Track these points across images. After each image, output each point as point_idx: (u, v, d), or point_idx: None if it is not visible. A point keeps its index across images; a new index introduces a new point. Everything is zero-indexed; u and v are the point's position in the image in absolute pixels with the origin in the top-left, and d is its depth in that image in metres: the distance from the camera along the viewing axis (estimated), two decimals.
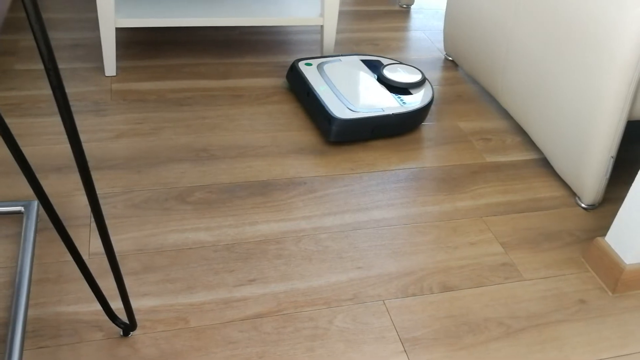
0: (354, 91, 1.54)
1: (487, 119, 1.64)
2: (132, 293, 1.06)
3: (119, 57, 1.75)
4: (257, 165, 1.39)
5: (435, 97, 1.72)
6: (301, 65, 1.64)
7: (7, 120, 1.45)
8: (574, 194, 1.40)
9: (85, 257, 1.12)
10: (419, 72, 1.62)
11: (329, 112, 1.45)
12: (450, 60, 1.93)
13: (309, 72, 1.61)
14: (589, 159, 1.30)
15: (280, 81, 1.72)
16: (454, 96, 1.74)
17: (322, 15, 1.72)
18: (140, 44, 1.84)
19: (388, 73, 1.60)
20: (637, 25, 1.14)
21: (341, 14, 2.16)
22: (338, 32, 2.03)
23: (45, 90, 1.57)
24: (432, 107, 1.67)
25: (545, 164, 1.49)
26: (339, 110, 1.46)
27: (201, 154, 1.41)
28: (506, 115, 1.67)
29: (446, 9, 1.84)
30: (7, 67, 1.65)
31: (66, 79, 1.63)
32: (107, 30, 1.58)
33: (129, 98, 1.58)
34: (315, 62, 1.66)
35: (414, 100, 1.52)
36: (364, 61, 1.68)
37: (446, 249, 1.22)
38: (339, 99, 1.50)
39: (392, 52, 1.93)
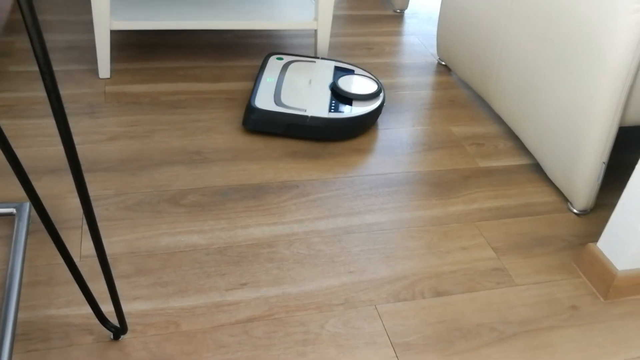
0: (294, 89, 1.56)
1: (480, 124, 1.65)
2: (124, 296, 1.06)
3: (113, 59, 1.75)
4: (250, 169, 1.39)
5: (428, 101, 1.72)
6: (271, 58, 1.68)
7: (1, 122, 1.44)
8: (566, 200, 1.41)
9: (76, 260, 1.12)
10: (376, 87, 1.61)
11: (252, 100, 1.50)
12: (444, 65, 1.94)
13: (273, 64, 1.65)
14: (581, 165, 1.30)
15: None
16: (446, 101, 1.74)
17: (316, 19, 1.73)
18: (134, 46, 1.84)
19: (342, 81, 1.60)
20: (629, 32, 1.15)
21: (335, 18, 2.16)
22: (332, 36, 2.03)
23: (40, 92, 1.56)
24: (426, 111, 1.67)
25: (537, 169, 1.49)
26: (263, 101, 1.50)
27: (194, 156, 1.41)
28: (499, 120, 1.68)
29: (439, 14, 1.85)
30: (2, 69, 1.65)
31: (60, 80, 1.63)
32: (102, 33, 1.58)
33: (123, 100, 1.57)
34: (287, 58, 1.69)
35: (346, 112, 1.52)
36: (337, 67, 1.69)
37: (438, 253, 1.22)
38: (272, 92, 1.53)
39: (386, 57, 1.94)
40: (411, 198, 1.36)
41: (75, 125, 1.46)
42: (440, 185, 1.41)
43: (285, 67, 1.64)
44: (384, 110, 1.66)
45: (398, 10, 2.28)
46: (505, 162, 1.51)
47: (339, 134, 1.51)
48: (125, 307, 1.04)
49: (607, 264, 1.15)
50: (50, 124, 1.46)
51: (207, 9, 1.72)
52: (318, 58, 1.71)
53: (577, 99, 1.28)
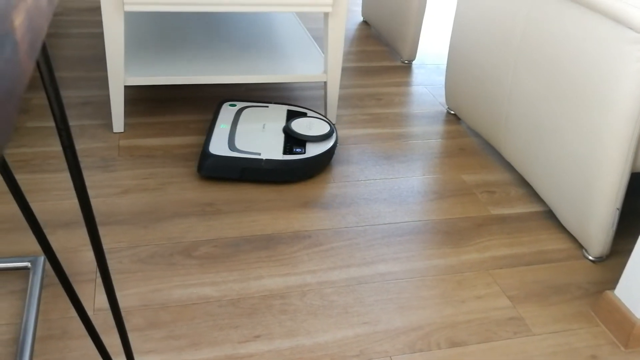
0: (248, 134, 1.57)
1: (491, 172, 1.65)
2: (137, 349, 1.05)
3: (126, 113, 1.78)
4: (262, 219, 1.39)
5: (439, 150, 1.73)
6: (224, 105, 1.70)
7: (18, 177, 1.47)
8: (580, 246, 1.40)
9: (90, 313, 1.11)
10: (328, 128, 1.63)
11: (207, 147, 1.51)
12: (453, 114, 1.96)
13: (226, 111, 1.67)
14: (595, 211, 1.30)
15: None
16: (456, 149, 1.75)
17: (325, 72, 1.76)
18: (147, 100, 1.87)
19: (294, 124, 1.62)
20: (637, 78, 1.16)
21: (344, 70, 2.20)
22: (341, 87, 2.07)
23: (55, 147, 1.59)
24: (436, 159, 1.68)
25: (550, 216, 1.49)
26: (217, 147, 1.51)
27: (207, 208, 1.42)
28: (509, 167, 1.68)
29: (447, 64, 1.88)
30: (19, 125, 1.68)
31: (75, 135, 1.66)
32: (116, 88, 1.62)
33: (136, 154, 1.60)
34: (240, 104, 1.72)
35: (301, 152, 1.53)
36: (289, 111, 1.71)
37: (453, 303, 1.21)
38: (227, 137, 1.55)
39: (395, 107, 1.96)
40: (424, 247, 1.36)
41: (89, 179, 1.48)
42: (453, 233, 1.41)
43: (238, 113, 1.66)
44: (394, 159, 1.68)
45: (406, 61, 2.32)
46: (517, 210, 1.51)
47: (294, 175, 1.53)
48: None
49: (626, 312, 1.13)
50: (65, 177, 1.48)
51: (219, 63, 1.76)
52: (271, 103, 1.74)
53: (587, 146, 1.28)
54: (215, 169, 1.49)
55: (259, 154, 1.50)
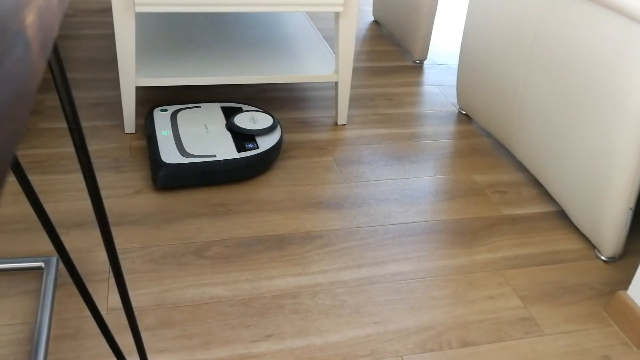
0: (194, 137, 1.54)
1: (503, 172, 1.65)
2: (150, 349, 1.06)
3: (138, 114, 1.79)
4: (273, 220, 1.40)
5: (450, 150, 1.73)
6: (156, 111, 1.65)
7: (31, 178, 1.48)
8: (593, 247, 1.39)
9: (103, 313, 1.12)
10: (271, 119, 1.62)
11: (159, 157, 1.45)
12: (464, 114, 1.95)
13: (160, 118, 1.61)
14: (607, 211, 1.29)
15: (296, 136, 1.74)
16: (468, 149, 1.75)
17: (336, 72, 1.76)
18: (158, 101, 1.88)
19: (237, 120, 1.60)
20: None
21: (355, 70, 2.20)
22: (353, 87, 2.07)
23: (68, 148, 1.60)
24: (447, 159, 1.68)
25: (562, 216, 1.48)
26: (169, 155, 1.46)
27: (218, 209, 1.42)
28: (521, 167, 1.67)
29: (459, 64, 1.87)
30: (32, 126, 1.70)
31: (88, 136, 1.67)
32: (128, 90, 1.63)
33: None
34: (171, 108, 1.66)
35: (254, 147, 1.52)
36: (223, 108, 1.69)
37: (464, 303, 1.21)
38: (175, 144, 1.49)
39: (407, 107, 1.96)
40: (435, 247, 1.35)
41: (102, 179, 1.49)
42: (464, 233, 1.40)
43: (173, 117, 1.62)
44: (405, 159, 1.67)
45: (417, 61, 2.32)
46: (529, 210, 1.50)
47: (252, 171, 1.52)
48: None
49: (639, 312, 1.12)
50: (78, 178, 1.49)
51: (229, 64, 1.77)
52: (202, 102, 1.71)
53: (599, 145, 1.28)
54: (173, 178, 1.45)
55: (214, 156, 1.47)
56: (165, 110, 1.65)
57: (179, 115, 1.62)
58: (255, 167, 1.52)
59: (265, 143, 1.55)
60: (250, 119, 1.59)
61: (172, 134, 1.53)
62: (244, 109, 1.68)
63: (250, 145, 1.52)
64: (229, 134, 1.57)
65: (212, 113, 1.66)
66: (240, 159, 1.48)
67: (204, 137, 1.54)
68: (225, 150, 1.50)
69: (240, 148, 1.51)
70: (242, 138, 1.56)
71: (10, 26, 0.31)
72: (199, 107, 1.68)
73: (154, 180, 1.45)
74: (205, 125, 1.58)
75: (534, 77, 1.48)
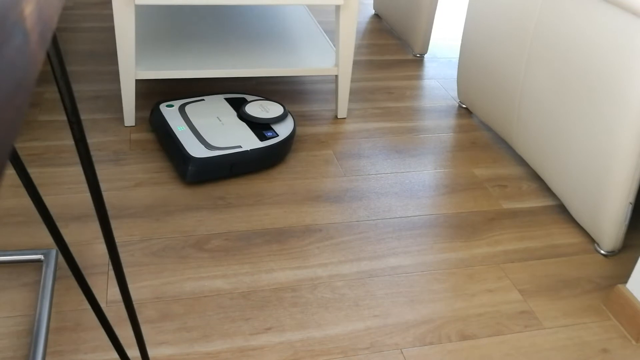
0: (213, 130, 1.54)
1: (503, 166, 1.65)
2: (149, 341, 1.06)
3: (137, 107, 1.79)
4: (273, 213, 1.40)
5: (450, 144, 1.73)
6: (162, 107, 1.64)
7: (30, 170, 1.48)
8: (592, 241, 1.39)
9: (103, 305, 1.12)
10: (281, 107, 1.63)
11: (186, 152, 1.45)
12: (465, 107, 1.95)
13: (170, 113, 1.61)
14: (607, 206, 1.29)
15: (297, 129, 1.74)
16: (468, 143, 1.75)
17: (336, 65, 1.76)
18: (158, 94, 1.88)
19: (249, 110, 1.60)
20: None
21: (356, 63, 2.20)
22: (353, 81, 2.06)
23: (67, 141, 1.60)
24: (447, 153, 1.68)
25: (562, 211, 1.48)
26: (196, 149, 1.46)
27: (218, 202, 1.42)
28: (521, 161, 1.67)
29: (459, 58, 1.87)
30: (31, 118, 1.70)
31: (87, 129, 1.67)
32: (128, 82, 1.62)
33: (148, 147, 1.60)
34: (177, 103, 1.66)
35: (274, 135, 1.53)
36: (228, 99, 1.69)
37: (464, 296, 1.21)
38: (197, 138, 1.50)
39: (407, 100, 1.96)
40: (435, 241, 1.36)
41: (101, 172, 1.49)
42: (464, 227, 1.40)
43: (182, 112, 1.61)
44: (405, 153, 1.67)
45: (418, 55, 2.31)
46: (529, 204, 1.50)
47: (275, 159, 1.54)
48: (151, 353, 1.04)
49: (638, 306, 1.12)
50: (78, 171, 1.49)
51: (229, 57, 1.77)
52: (204, 95, 1.71)
53: (600, 139, 1.28)
54: (203, 172, 1.45)
55: (240, 147, 1.48)
56: (172, 105, 1.65)
57: (187, 110, 1.62)
58: (278, 155, 1.54)
59: (283, 130, 1.57)
60: (261, 108, 1.60)
61: (188, 129, 1.53)
62: (248, 100, 1.69)
63: (270, 134, 1.53)
64: (243, 124, 1.58)
65: (219, 105, 1.66)
66: (264, 147, 1.50)
67: (222, 129, 1.55)
68: (248, 140, 1.51)
69: (261, 137, 1.52)
70: (259, 127, 1.57)
71: (8, 16, 0.31)
72: (203, 100, 1.69)
73: (183, 176, 1.45)
74: (217, 117, 1.58)
75: (535, 71, 1.48)
